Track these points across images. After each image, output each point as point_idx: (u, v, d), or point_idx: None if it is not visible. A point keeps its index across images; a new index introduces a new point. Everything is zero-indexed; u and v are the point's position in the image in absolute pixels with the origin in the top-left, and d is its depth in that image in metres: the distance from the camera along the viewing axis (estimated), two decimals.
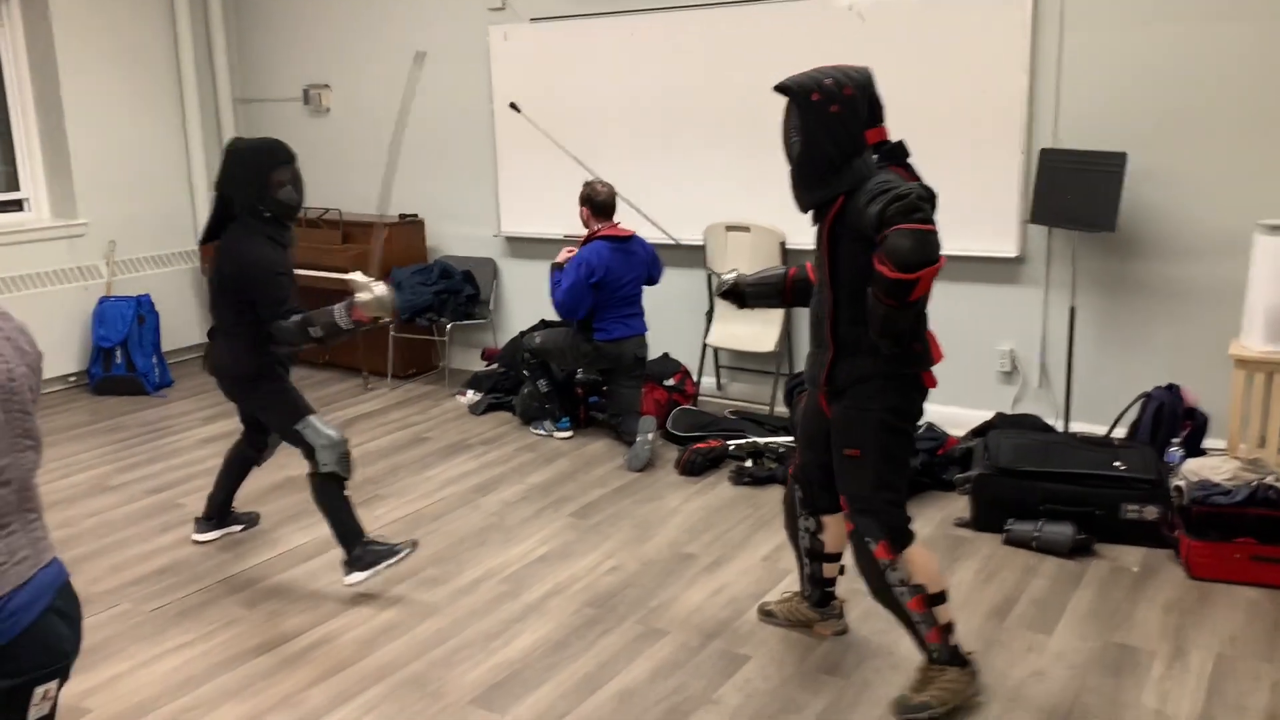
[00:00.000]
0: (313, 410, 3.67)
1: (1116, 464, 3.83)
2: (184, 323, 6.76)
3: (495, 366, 5.89)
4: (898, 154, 2.75)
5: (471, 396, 5.74)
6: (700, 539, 3.95)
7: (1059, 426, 4.61)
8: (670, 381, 5.25)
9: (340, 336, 3.52)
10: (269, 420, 3.77)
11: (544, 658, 3.14)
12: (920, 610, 2.73)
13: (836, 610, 3.24)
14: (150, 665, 3.15)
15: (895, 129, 4.94)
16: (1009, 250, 4.73)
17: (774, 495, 4.34)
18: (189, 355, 6.87)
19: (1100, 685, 2.93)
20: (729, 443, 4.73)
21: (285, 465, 4.83)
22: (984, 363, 4.93)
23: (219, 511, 4.06)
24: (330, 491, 3.59)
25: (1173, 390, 4.22)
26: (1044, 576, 3.59)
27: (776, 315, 5.26)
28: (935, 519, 4.06)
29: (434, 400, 5.87)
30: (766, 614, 3.33)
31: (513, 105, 4.03)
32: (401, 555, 3.59)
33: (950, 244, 4.76)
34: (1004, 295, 4.83)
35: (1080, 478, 3.81)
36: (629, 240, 4.94)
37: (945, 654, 2.77)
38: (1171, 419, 4.15)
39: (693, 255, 5.52)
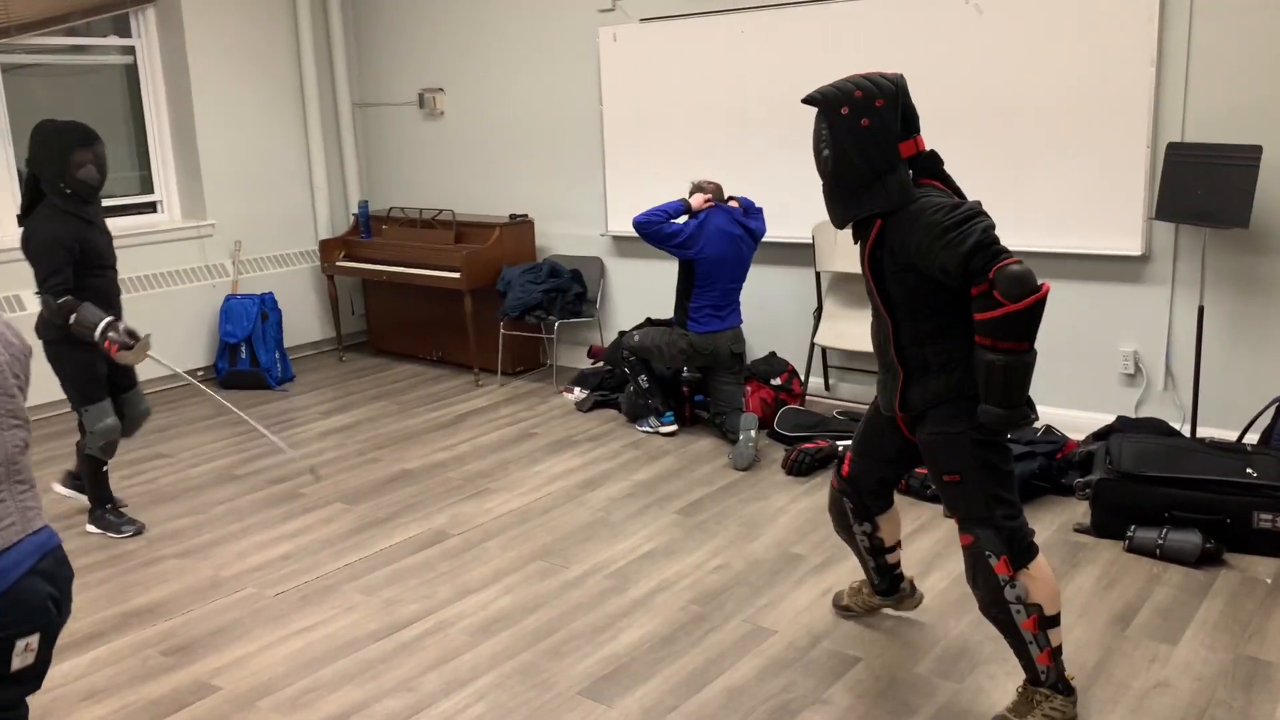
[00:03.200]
0: (100, 397, 4.02)
1: (1249, 470, 3.67)
2: (305, 320, 7.01)
3: (601, 364, 5.95)
4: (933, 166, 2.65)
5: (578, 394, 5.81)
6: (808, 539, 3.92)
7: (1185, 431, 4.43)
8: (777, 381, 5.22)
9: (86, 340, 3.75)
10: (62, 385, 4.04)
11: (651, 652, 3.16)
12: (1034, 631, 2.60)
13: (908, 590, 3.23)
14: (275, 647, 3.27)
15: (1015, 124, 4.81)
16: (1133, 248, 4.57)
17: None
18: (310, 351, 7.13)
19: (1230, 699, 2.81)
20: (838, 443, 4.68)
21: (403, 458, 4.97)
22: (1106, 364, 4.76)
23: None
24: (91, 467, 4.16)
25: None
26: (1169, 585, 3.45)
27: None
28: (1054, 524, 3.95)
29: (541, 397, 5.96)
30: (844, 609, 3.32)
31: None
32: (122, 535, 4.18)
33: (1071, 241, 4.71)
34: (1127, 294, 4.67)
35: (1209, 484, 3.66)
36: (741, 214, 4.99)
37: (1054, 677, 2.64)
38: None
39: (801, 253, 5.47)
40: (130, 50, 6.44)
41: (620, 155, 6.07)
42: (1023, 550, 2.60)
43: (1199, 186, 4.11)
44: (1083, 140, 4.59)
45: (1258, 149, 4.00)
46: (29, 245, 3.85)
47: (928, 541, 3.85)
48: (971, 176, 4.89)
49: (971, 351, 2.53)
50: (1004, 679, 2.94)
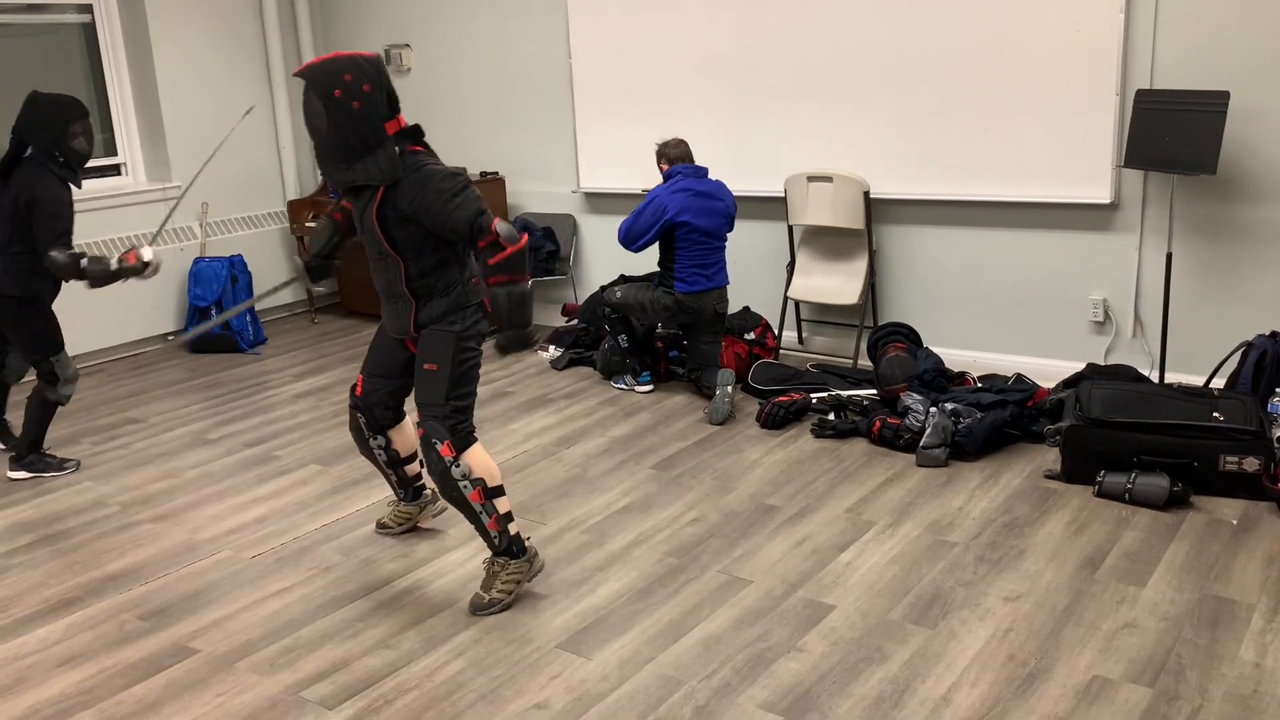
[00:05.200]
0: (63, 345, 4.29)
1: (1215, 415, 3.72)
2: (275, 281, 6.94)
3: (575, 322, 5.94)
4: (417, 136, 3.06)
5: (553, 352, 5.80)
6: (782, 491, 3.95)
7: (1154, 377, 4.48)
8: (751, 335, 5.23)
9: (106, 277, 4.05)
10: (22, 341, 4.27)
11: (628, 605, 3.19)
12: (480, 501, 3.11)
13: (430, 497, 3.71)
14: (252, 609, 3.28)
15: (984, 72, 4.80)
16: (1102, 196, 4.59)
17: (857, 448, 4.32)
18: (282, 313, 7.07)
19: (1196, 638, 2.87)
20: (811, 395, 4.71)
21: None
22: (1075, 312, 4.80)
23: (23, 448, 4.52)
24: (46, 410, 4.35)
25: (1275, 338, 4.07)
26: (1137, 529, 3.51)
27: (859, 268, 5.20)
28: (1024, 471, 4.00)
29: (515, 355, 5.93)
30: (383, 527, 3.74)
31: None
32: (66, 472, 4.42)
33: (1041, 190, 4.73)
34: (1096, 242, 4.70)
35: (1176, 429, 3.71)
36: (708, 182, 4.90)
37: (505, 540, 3.16)
38: (1274, 368, 4.00)
39: (774, 207, 5.46)
40: (88, 9, 6.29)
41: (591, 110, 6.02)
42: (463, 438, 3.13)
43: (1167, 133, 4.12)
44: (1052, 88, 4.59)
45: (1225, 95, 4.01)
46: (37, 206, 4.01)
47: (900, 491, 3.89)
48: (941, 126, 4.90)
49: (463, 273, 3.13)
50: (976, 623, 2.99)
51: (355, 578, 3.44)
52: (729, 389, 4.74)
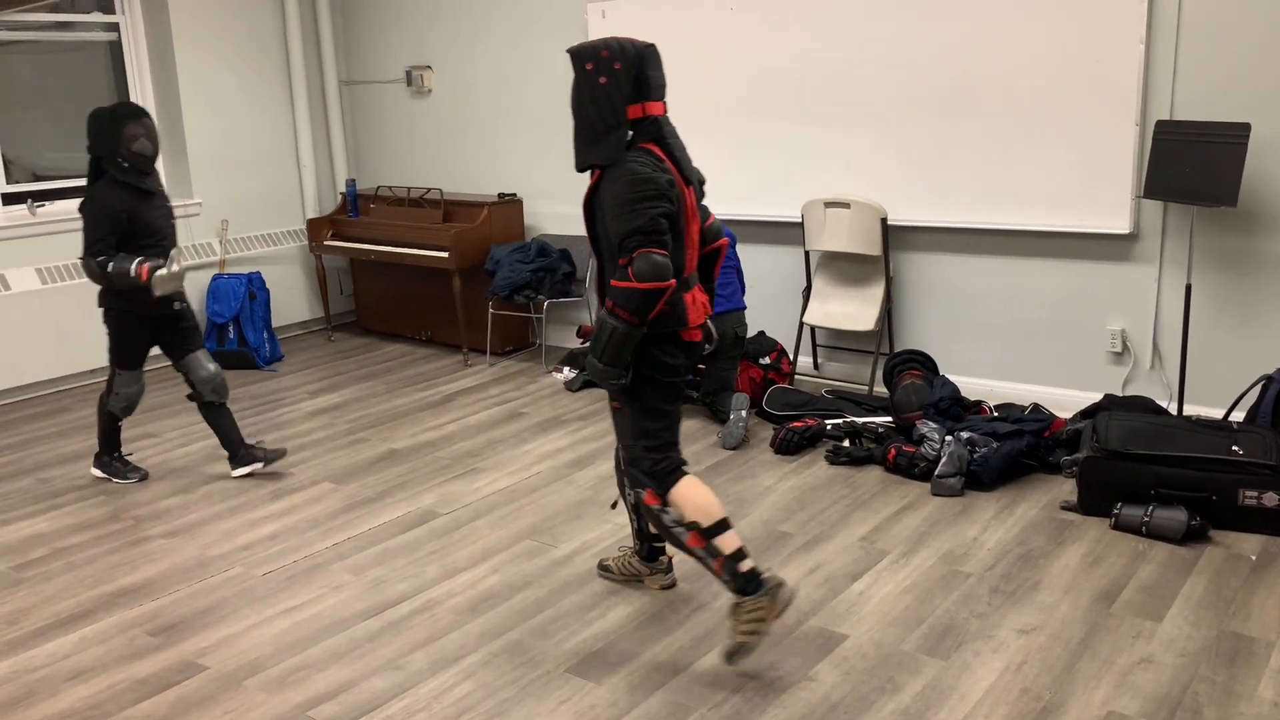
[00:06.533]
0: (134, 366, 4.36)
1: (1234, 448, 3.68)
2: (293, 299, 6.98)
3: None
4: (656, 132, 2.88)
5: (567, 373, 5.80)
6: (795, 517, 3.93)
7: (1172, 409, 4.44)
8: (766, 360, 5.22)
9: (128, 284, 4.10)
10: (109, 345, 4.36)
11: (638, 630, 3.17)
12: (699, 545, 2.87)
13: (664, 565, 3.40)
14: (262, 626, 3.27)
15: (1004, 102, 4.80)
16: (1121, 226, 4.57)
17: (872, 476, 4.29)
18: (298, 331, 7.11)
19: (1213, 675, 2.83)
20: (826, 422, 4.69)
21: (391, 438, 4.96)
22: (1093, 343, 4.78)
23: (235, 449, 4.57)
24: (105, 417, 4.47)
25: None
26: (1154, 563, 3.47)
27: (876, 294, 5.18)
28: (1040, 502, 3.96)
29: (530, 377, 5.95)
30: (604, 569, 3.51)
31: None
32: (127, 481, 4.53)
33: (1060, 220, 4.71)
34: (1115, 273, 4.67)
35: (1194, 462, 3.67)
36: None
37: (737, 581, 2.85)
38: None
39: (790, 232, 5.46)
40: (114, 27, 6.37)
41: None
42: (663, 476, 2.91)
43: (1187, 165, 4.11)
44: (1071, 118, 4.58)
45: (1246, 127, 3.99)
46: (84, 211, 4.14)
47: (915, 519, 3.86)
48: (959, 154, 4.90)
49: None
50: (989, 655, 2.95)
51: (365, 597, 3.44)
52: (743, 413, 4.73)
